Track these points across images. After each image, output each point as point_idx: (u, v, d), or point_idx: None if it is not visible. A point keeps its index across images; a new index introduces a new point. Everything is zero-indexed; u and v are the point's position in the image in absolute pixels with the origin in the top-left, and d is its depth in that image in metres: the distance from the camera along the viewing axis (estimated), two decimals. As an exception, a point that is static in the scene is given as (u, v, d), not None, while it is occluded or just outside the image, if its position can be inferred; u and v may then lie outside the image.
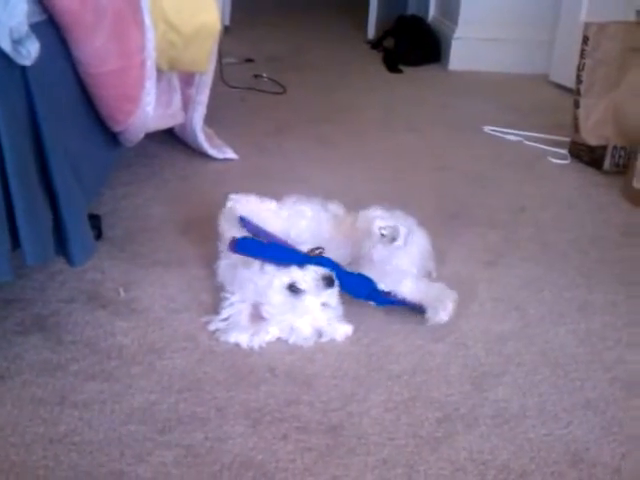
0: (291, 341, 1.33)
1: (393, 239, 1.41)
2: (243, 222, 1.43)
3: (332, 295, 1.35)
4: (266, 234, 1.41)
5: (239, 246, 1.36)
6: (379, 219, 1.43)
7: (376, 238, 1.43)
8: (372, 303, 1.44)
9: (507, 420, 1.18)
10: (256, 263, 1.36)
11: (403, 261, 1.43)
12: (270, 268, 1.34)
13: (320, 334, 1.34)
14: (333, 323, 1.36)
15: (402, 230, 1.42)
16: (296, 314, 1.33)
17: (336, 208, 1.58)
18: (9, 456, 1.05)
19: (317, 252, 1.38)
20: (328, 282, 1.33)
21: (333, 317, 1.36)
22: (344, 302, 1.39)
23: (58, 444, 1.07)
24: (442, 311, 1.37)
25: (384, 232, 1.43)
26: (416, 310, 1.42)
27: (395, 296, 1.42)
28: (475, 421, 1.17)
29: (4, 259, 1.14)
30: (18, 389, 1.18)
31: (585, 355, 1.36)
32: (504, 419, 1.18)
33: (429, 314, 1.39)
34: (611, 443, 1.14)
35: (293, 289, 1.32)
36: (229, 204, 1.47)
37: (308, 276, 1.33)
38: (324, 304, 1.34)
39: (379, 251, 1.42)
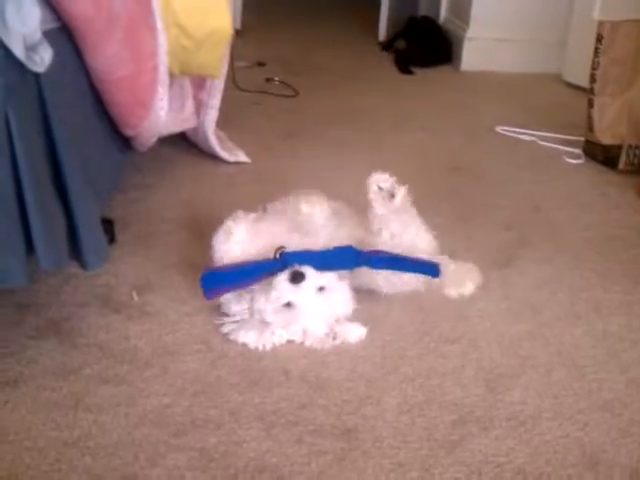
0: (307, 343, 1.33)
1: (392, 196, 1.41)
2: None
3: (326, 277, 1.32)
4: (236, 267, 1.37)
5: (206, 285, 1.33)
6: (377, 175, 1.44)
7: (373, 195, 1.42)
8: (366, 268, 1.39)
9: (523, 422, 1.17)
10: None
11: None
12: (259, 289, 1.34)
13: (334, 337, 1.34)
14: (346, 325, 1.35)
15: (401, 188, 1.42)
16: (301, 319, 1.32)
17: (339, 206, 1.56)
18: (23, 460, 1.05)
19: (279, 252, 1.33)
20: (296, 278, 1.29)
21: (344, 318, 1.35)
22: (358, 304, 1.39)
23: (72, 448, 1.08)
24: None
25: (382, 185, 1.42)
26: (417, 271, 1.41)
27: (390, 254, 1.38)
28: (490, 423, 1.16)
29: (19, 264, 1.14)
30: (32, 393, 1.18)
31: (601, 356, 1.34)
32: (520, 421, 1.17)
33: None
34: (628, 445, 1.13)
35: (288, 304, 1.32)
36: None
37: (282, 288, 1.30)
38: (321, 288, 1.32)
39: (378, 208, 1.41)
